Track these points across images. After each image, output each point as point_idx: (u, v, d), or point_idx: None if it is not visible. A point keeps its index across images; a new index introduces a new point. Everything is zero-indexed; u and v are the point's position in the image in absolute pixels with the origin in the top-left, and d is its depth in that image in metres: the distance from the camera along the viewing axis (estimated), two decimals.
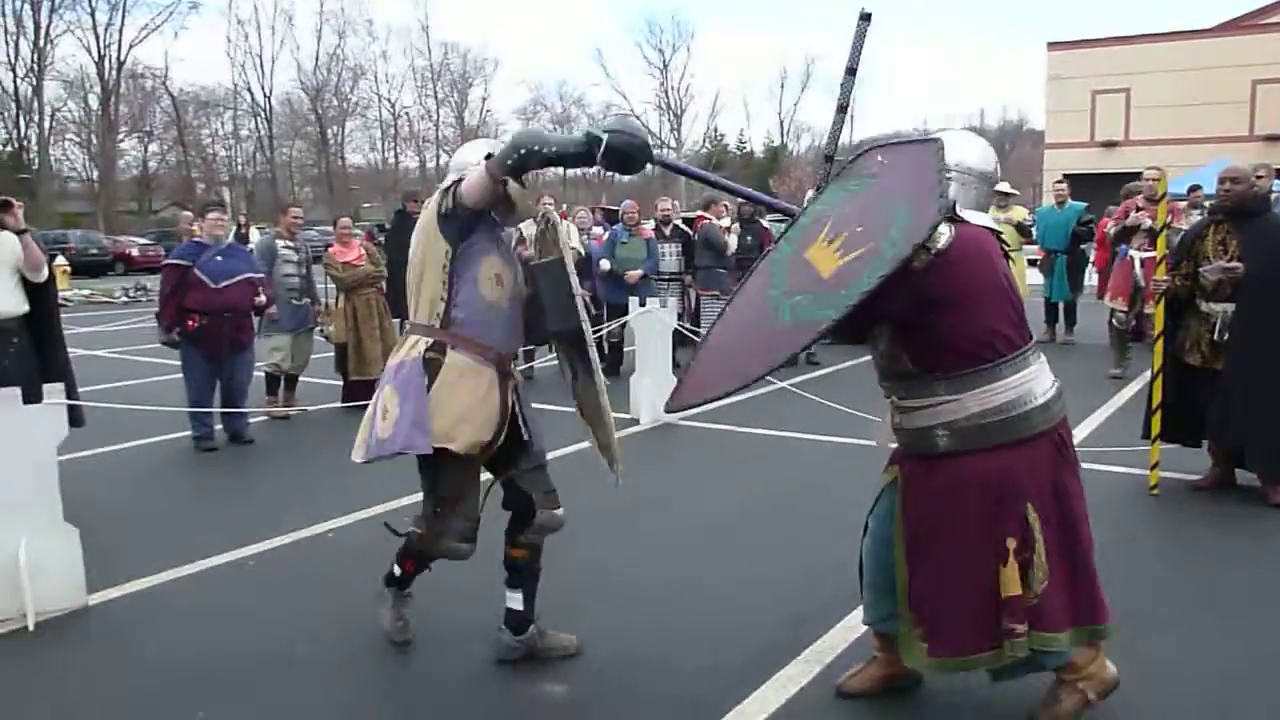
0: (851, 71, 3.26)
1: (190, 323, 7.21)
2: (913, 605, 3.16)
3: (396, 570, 3.85)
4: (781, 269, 3.11)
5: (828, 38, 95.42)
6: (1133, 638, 3.56)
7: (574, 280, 3.50)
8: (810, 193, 3.34)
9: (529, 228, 10.57)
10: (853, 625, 3.97)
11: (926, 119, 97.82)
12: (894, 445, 3.37)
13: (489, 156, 3.30)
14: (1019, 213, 12.65)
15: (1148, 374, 6.09)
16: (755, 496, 5.99)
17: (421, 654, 3.84)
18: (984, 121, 74.07)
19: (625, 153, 3.13)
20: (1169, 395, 5.75)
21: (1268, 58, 31.58)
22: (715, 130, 71.54)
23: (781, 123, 69.29)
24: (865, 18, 3.20)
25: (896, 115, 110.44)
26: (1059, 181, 12.68)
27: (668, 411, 3.19)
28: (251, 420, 7.85)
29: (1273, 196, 7.41)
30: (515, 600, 3.71)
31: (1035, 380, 3.10)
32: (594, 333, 10.81)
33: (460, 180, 3.36)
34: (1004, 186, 13.19)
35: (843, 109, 3.27)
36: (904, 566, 3.19)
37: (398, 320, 9.42)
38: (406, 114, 66.59)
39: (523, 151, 3.20)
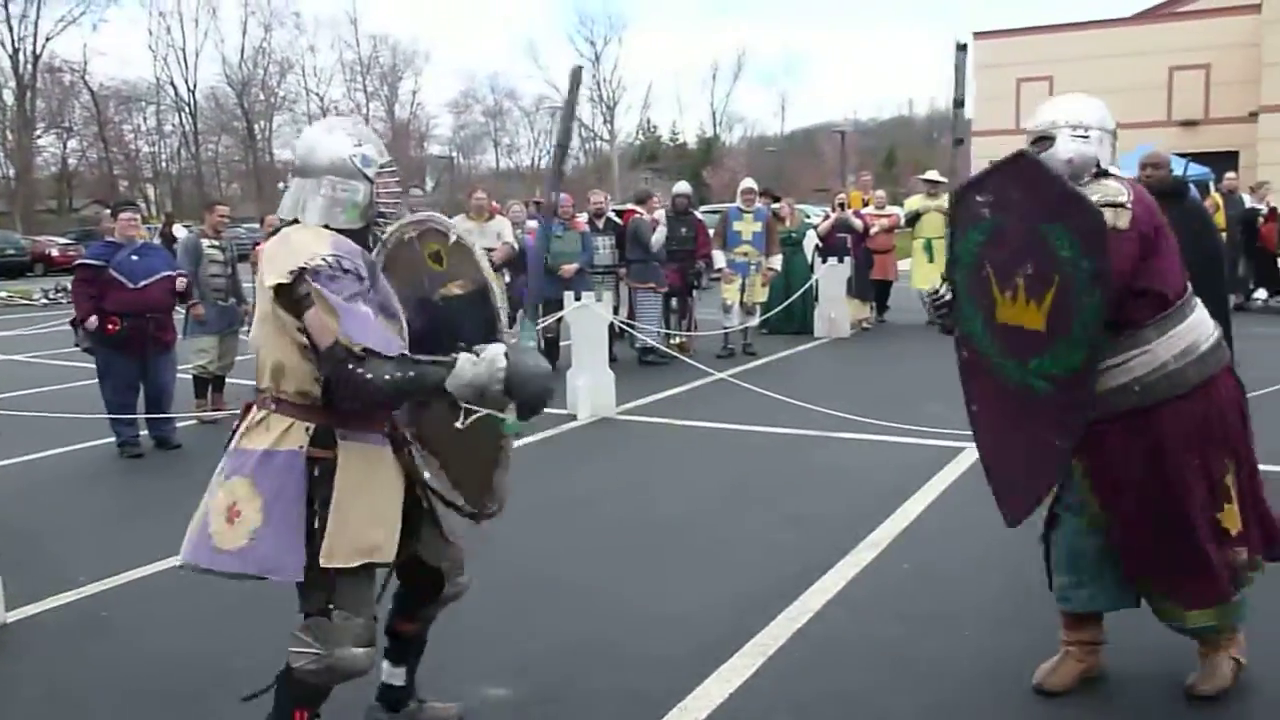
0: (959, 103, 3.39)
1: (111, 326, 6.99)
2: (1139, 571, 3.15)
3: None
4: (995, 346, 3.13)
5: (758, 29, 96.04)
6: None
7: (500, 313, 2.90)
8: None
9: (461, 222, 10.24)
10: (794, 617, 3.98)
11: (857, 109, 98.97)
12: None
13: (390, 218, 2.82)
14: (947, 200, 12.83)
15: None
16: (696, 489, 5.98)
17: None
18: (913, 110, 75.05)
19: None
20: None
21: (1183, 45, 32.43)
22: (648, 122, 71.63)
23: (714, 114, 69.50)
24: (961, 48, 3.33)
25: (829, 103, 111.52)
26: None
27: (1011, 525, 3.19)
28: (179, 424, 7.66)
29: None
30: (397, 676, 3.15)
31: (1205, 318, 3.17)
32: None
33: (320, 288, 2.53)
34: (933, 174, 13.41)
35: (959, 141, 3.37)
36: (1110, 535, 3.15)
37: None
38: (336, 108, 65.56)
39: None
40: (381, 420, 2.77)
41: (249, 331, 8.60)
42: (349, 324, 2.51)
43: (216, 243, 8.43)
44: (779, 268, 11.41)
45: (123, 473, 6.88)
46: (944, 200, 12.74)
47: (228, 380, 8.69)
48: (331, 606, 2.69)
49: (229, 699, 3.48)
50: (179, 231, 17.95)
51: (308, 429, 2.66)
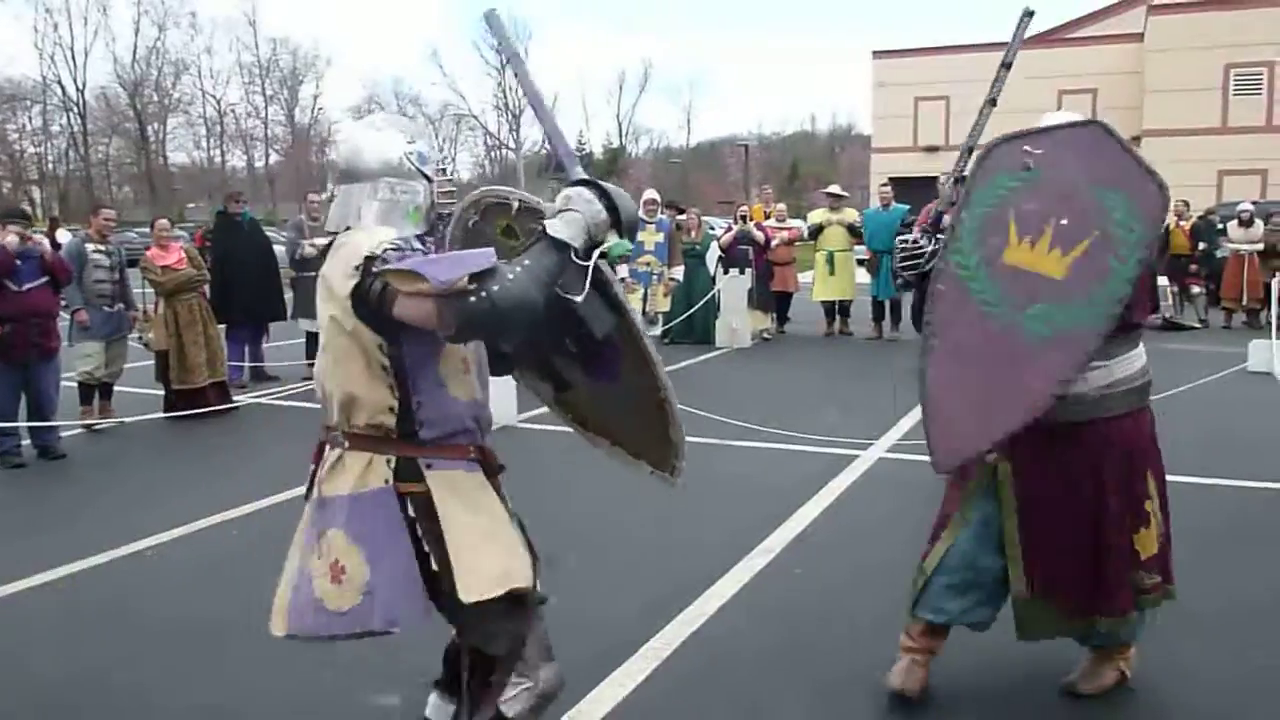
0: (1007, 66, 3.34)
1: None
2: (1029, 571, 3.22)
3: None
4: (989, 285, 3.06)
5: (665, 42, 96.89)
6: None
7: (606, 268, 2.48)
8: (944, 179, 3.45)
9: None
10: (689, 621, 4.04)
11: (761, 123, 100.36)
12: None
13: (440, 179, 2.57)
14: (849, 214, 13.18)
15: None
16: (595, 496, 6.00)
17: (253, 669, 3.70)
18: (815, 125, 76.56)
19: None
20: None
21: (1072, 70, 33.76)
22: None
23: (620, 125, 69.83)
24: (1029, 14, 3.31)
25: (731, 119, 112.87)
26: (884, 185, 13.23)
27: (940, 470, 3.13)
28: (64, 434, 7.40)
29: None
30: (443, 713, 2.81)
31: (1144, 351, 3.28)
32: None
33: (388, 267, 2.21)
34: (835, 189, 13.71)
35: (993, 102, 3.35)
36: (1018, 546, 3.22)
37: (223, 326, 9.06)
38: (233, 111, 64.13)
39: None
40: (466, 449, 2.52)
41: (139, 338, 8.33)
42: (435, 271, 2.14)
43: (102, 247, 8.15)
44: (680, 278, 11.54)
45: (2, 483, 6.60)
46: (845, 214, 13.08)
47: (116, 388, 8.44)
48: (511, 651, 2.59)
49: (111, 715, 3.40)
50: (63, 236, 17.36)
51: (389, 461, 2.41)
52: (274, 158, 66.09)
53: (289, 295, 10.41)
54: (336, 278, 2.35)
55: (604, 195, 2.32)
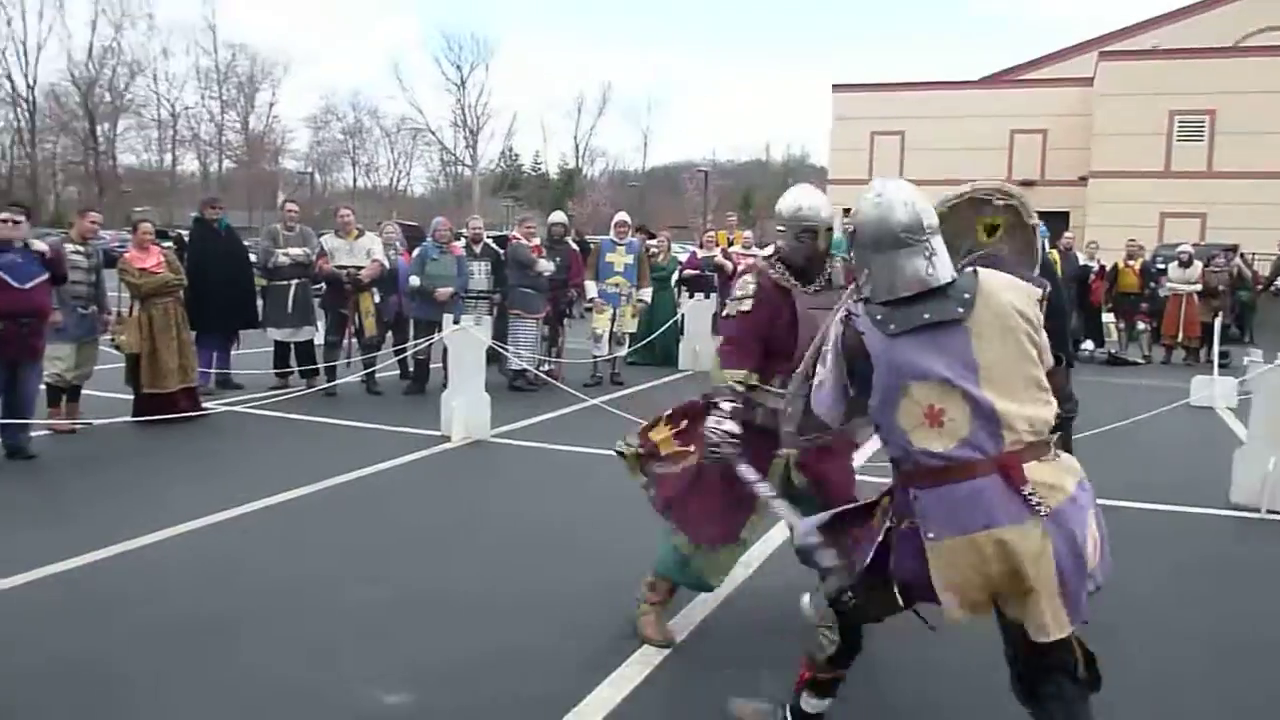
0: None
1: None
2: None
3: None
4: None
5: (624, 65, 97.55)
6: None
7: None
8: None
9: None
10: (679, 628, 4.20)
11: (715, 150, 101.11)
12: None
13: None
14: None
15: None
16: (573, 508, 6.14)
17: (246, 662, 3.78)
18: (769, 155, 77.48)
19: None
20: None
21: (1023, 110, 34.69)
22: (511, 150, 71.73)
23: (577, 146, 70.09)
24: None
25: (686, 144, 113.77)
26: (845, 218, 13.52)
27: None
28: (31, 435, 7.36)
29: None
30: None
31: None
32: (400, 350, 10.47)
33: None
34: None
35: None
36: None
37: (193, 333, 9.03)
38: (188, 113, 63.41)
39: None
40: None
41: (111, 340, 8.29)
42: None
43: (82, 249, 8.15)
44: (648, 299, 11.71)
45: None
46: None
47: (84, 390, 8.41)
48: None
49: (123, 705, 3.46)
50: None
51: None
52: (227, 164, 65.45)
53: (259, 303, 10.42)
54: None
55: None
